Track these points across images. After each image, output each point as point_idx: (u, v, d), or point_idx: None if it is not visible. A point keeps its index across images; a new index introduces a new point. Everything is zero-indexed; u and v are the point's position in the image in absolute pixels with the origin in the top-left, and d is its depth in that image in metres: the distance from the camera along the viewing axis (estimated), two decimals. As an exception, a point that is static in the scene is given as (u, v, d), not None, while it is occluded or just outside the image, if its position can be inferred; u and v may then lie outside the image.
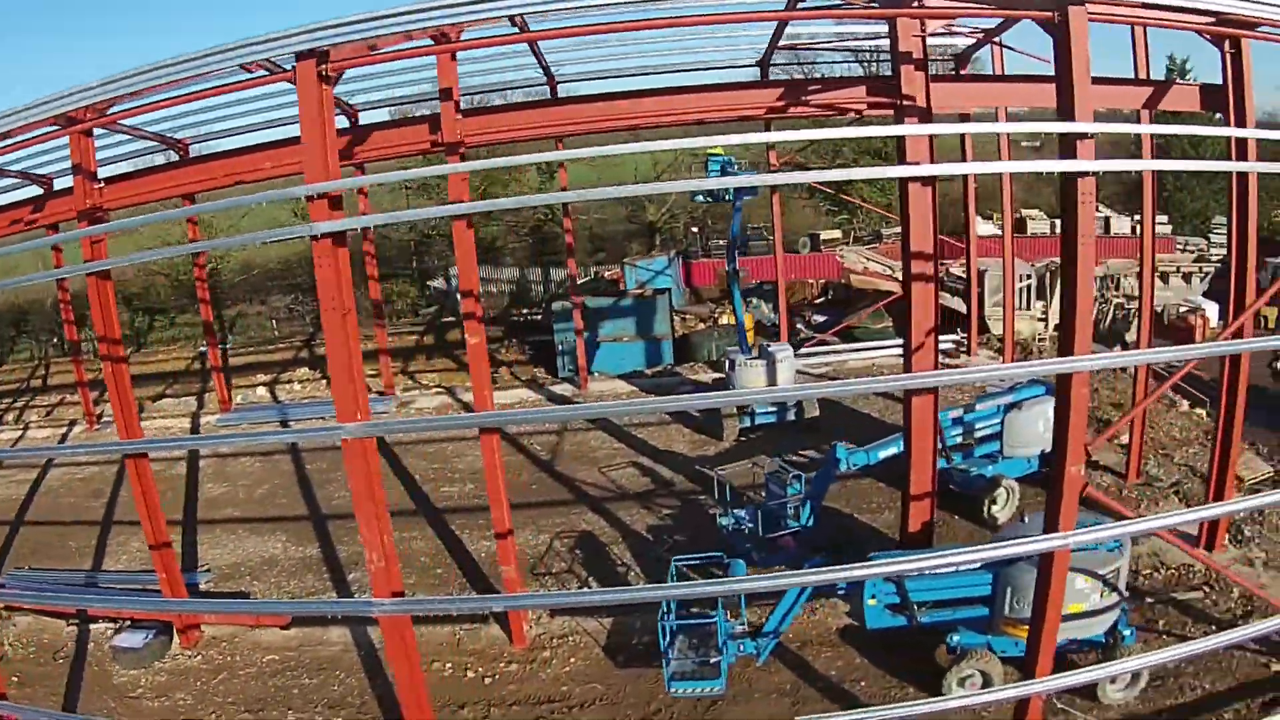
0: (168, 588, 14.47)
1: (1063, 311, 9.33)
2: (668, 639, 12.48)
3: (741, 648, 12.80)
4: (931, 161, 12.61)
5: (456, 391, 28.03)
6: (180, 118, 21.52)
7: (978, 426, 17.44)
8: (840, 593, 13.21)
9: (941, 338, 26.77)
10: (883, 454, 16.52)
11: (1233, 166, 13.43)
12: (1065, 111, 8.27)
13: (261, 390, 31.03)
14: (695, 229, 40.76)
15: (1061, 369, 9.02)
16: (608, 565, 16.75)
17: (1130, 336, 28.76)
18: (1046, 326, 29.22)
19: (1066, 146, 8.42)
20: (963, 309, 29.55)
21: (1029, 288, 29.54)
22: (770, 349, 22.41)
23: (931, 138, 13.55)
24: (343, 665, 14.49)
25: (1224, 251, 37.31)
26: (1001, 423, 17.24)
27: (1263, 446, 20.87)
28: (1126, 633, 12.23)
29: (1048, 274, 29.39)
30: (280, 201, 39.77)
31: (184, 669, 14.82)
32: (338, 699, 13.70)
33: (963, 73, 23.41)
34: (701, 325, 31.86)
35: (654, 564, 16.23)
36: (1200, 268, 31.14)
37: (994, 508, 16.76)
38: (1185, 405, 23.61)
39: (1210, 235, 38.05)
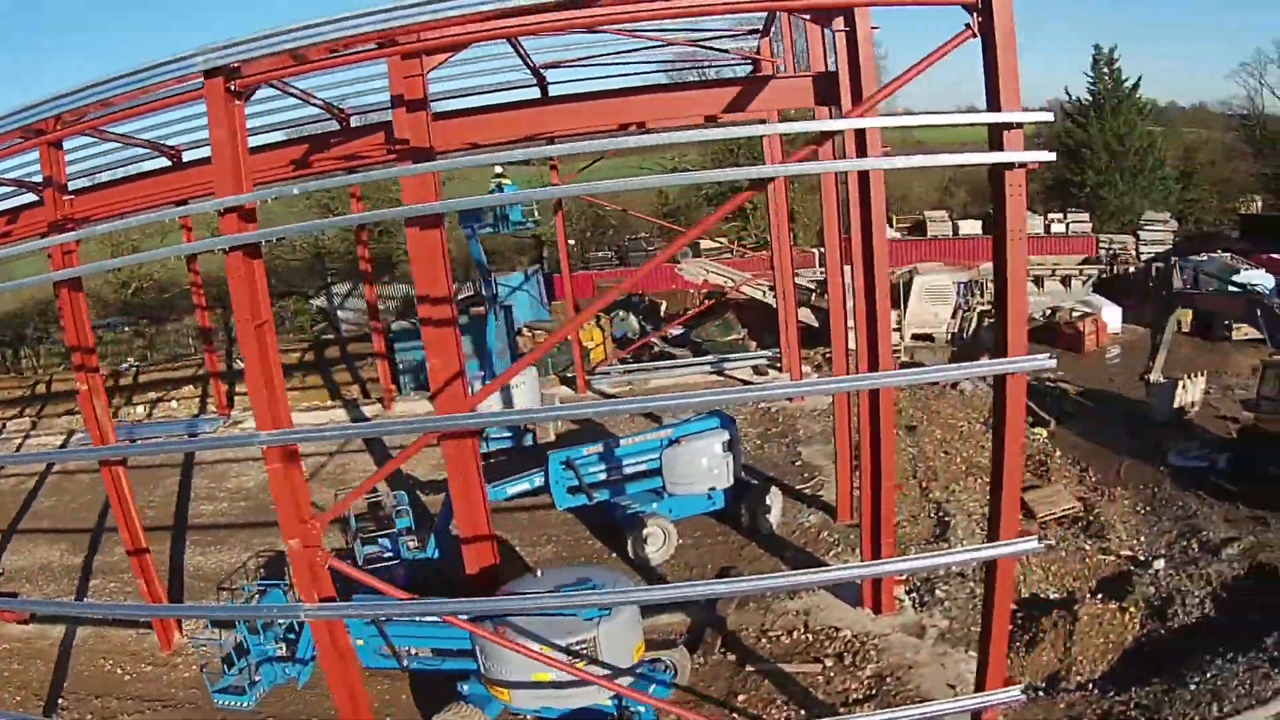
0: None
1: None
2: (234, 653, 13.03)
3: (286, 670, 12.88)
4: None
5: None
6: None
7: (626, 462, 16.30)
8: None
9: (753, 355, 26.12)
10: (512, 489, 16.09)
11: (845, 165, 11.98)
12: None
13: (141, 409, 31.49)
14: (571, 241, 39.72)
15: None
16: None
17: None
18: (901, 336, 27.21)
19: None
20: (811, 321, 27.89)
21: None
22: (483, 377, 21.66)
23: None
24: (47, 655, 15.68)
25: (1159, 249, 34.95)
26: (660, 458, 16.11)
27: (1095, 473, 18.97)
28: (641, 709, 10.90)
29: (900, 283, 27.38)
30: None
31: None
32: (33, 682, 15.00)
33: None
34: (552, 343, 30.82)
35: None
36: (1081, 270, 28.51)
37: (647, 548, 15.56)
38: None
39: (1140, 232, 35.05)
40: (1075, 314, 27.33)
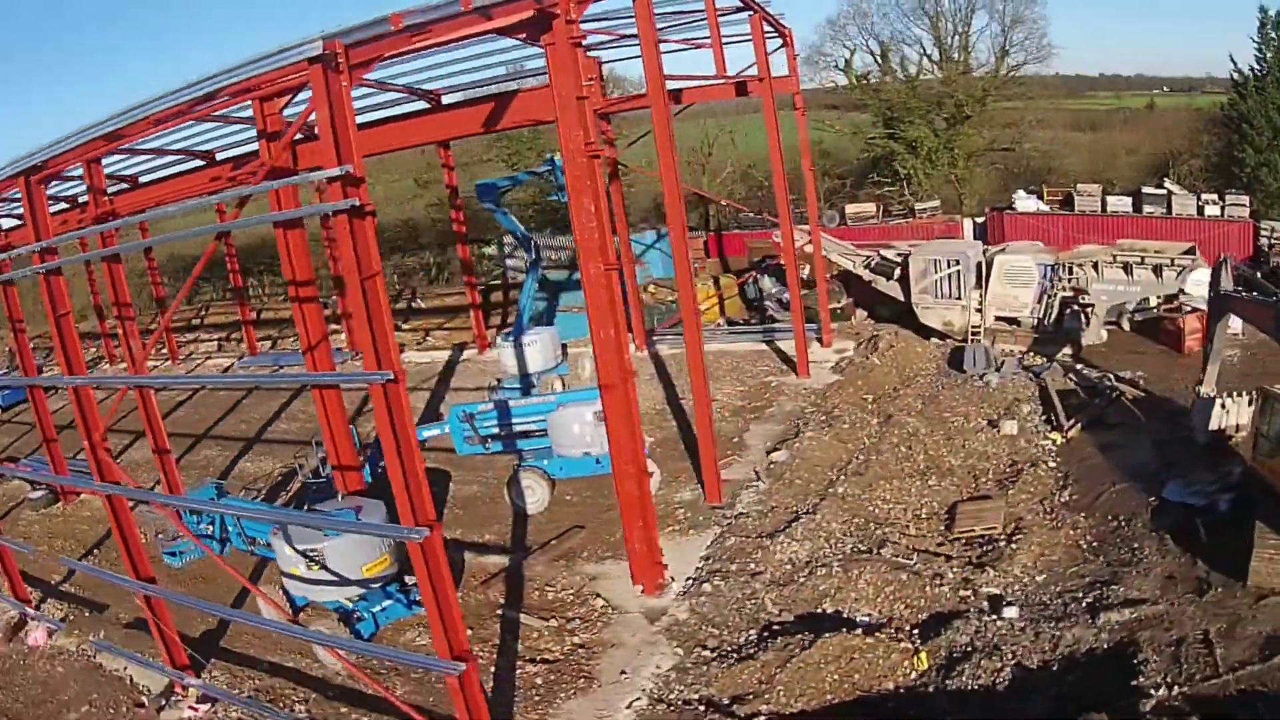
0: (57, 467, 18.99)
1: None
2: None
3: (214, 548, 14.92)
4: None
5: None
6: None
7: (518, 421, 16.79)
8: None
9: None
10: (425, 434, 17.03)
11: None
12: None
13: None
14: (724, 201, 38.84)
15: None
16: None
17: (1091, 338, 22.06)
18: (983, 317, 23.61)
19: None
20: (898, 295, 25.22)
21: (956, 275, 23.97)
22: (530, 334, 22.65)
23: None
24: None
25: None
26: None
27: (1074, 493, 15.59)
28: (363, 614, 12.67)
29: (983, 261, 23.62)
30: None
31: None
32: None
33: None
34: (670, 300, 31.22)
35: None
36: (1174, 260, 22.13)
37: (525, 498, 16.50)
38: (1011, 428, 18.33)
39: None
40: (1184, 309, 21.74)
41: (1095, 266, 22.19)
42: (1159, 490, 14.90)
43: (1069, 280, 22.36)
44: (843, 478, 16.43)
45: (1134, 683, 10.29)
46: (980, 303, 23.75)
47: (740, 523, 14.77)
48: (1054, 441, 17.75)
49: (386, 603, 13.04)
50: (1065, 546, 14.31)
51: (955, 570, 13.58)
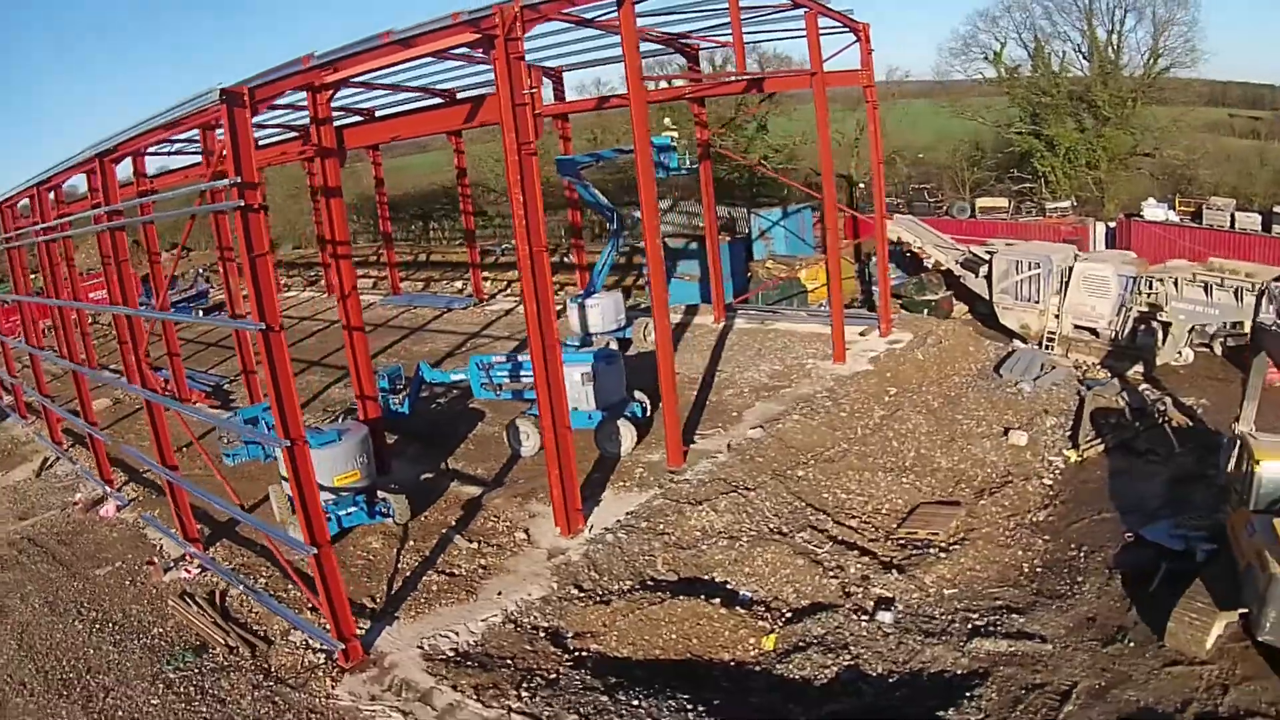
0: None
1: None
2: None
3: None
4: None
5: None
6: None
7: (524, 374, 17.98)
8: None
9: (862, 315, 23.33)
10: (453, 378, 19.15)
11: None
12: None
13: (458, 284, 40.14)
14: (861, 185, 37.41)
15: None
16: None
17: (1167, 357, 19.67)
18: (1060, 324, 21.65)
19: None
20: (984, 293, 23.78)
21: (1036, 278, 22.09)
22: (594, 297, 23.92)
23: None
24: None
25: None
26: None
27: (1052, 515, 14.39)
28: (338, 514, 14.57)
29: (1067, 268, 21.55)
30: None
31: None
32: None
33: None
34: (781, 277, 31.24)
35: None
36: (1254, 285, 18.53)
37: (520, 441, 17.99)
38: (1020, 439, 17.14)
39: None
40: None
41: (1175, 283, 19.74)
42: (1138, 527, 13.58)
43: (1147, 295, 19.99)
44: (812, 462, 16.35)
45: (940, 714, 9.98)
46: (1059, 309, 21.87)
47: (677, 487, 15.24)
48: (1066, 459, 16.41)
49: (352, 509, 15.13)
50: (1004, 566, 13.52)
51: (860, 567, 13.36)
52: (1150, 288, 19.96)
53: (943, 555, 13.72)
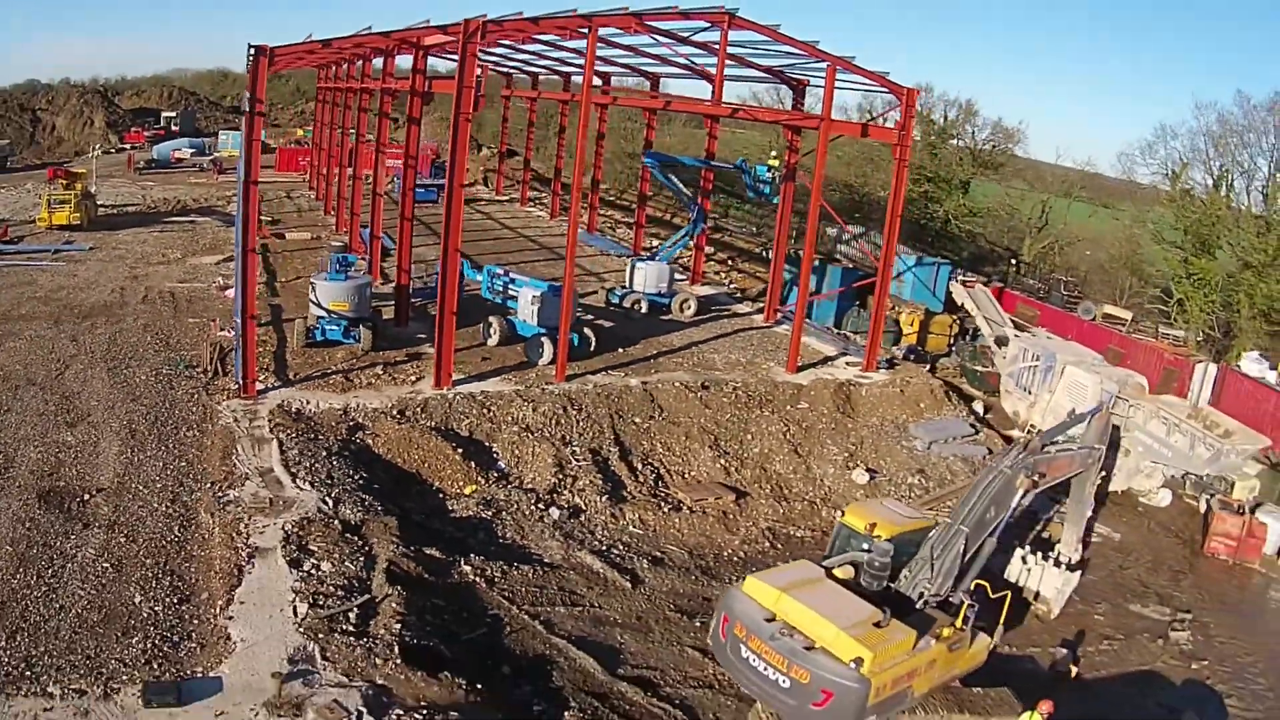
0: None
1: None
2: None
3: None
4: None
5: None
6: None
7: (510, 289, 22.44)
8: None
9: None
10: (475, 276, 23.87)
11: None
12: None
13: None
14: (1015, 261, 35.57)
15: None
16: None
17: (1128, 484, 18.51)
18: (1042, 420, 20.91)
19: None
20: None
21: (1036, 370, 21.32)
22: (648, 263, 27.36)
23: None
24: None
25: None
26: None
27: None
28: None
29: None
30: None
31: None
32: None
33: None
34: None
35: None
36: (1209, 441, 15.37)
37: (489, 333, 21.97)
38: (863, 477, 17.95)
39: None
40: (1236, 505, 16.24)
41: (1142, 414, 18.47)
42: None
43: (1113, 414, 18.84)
44: (659, 419, 18.72)
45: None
46: (1046, 405, 21.17)
47: (535, 392, 18.68)
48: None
49: (333, 327, 20.55)
50: (698, 540, 15.47)
51: (593, 483, 16.04)
52: (1121, 411, 19.00)
53: (674, 514, 15.92)
